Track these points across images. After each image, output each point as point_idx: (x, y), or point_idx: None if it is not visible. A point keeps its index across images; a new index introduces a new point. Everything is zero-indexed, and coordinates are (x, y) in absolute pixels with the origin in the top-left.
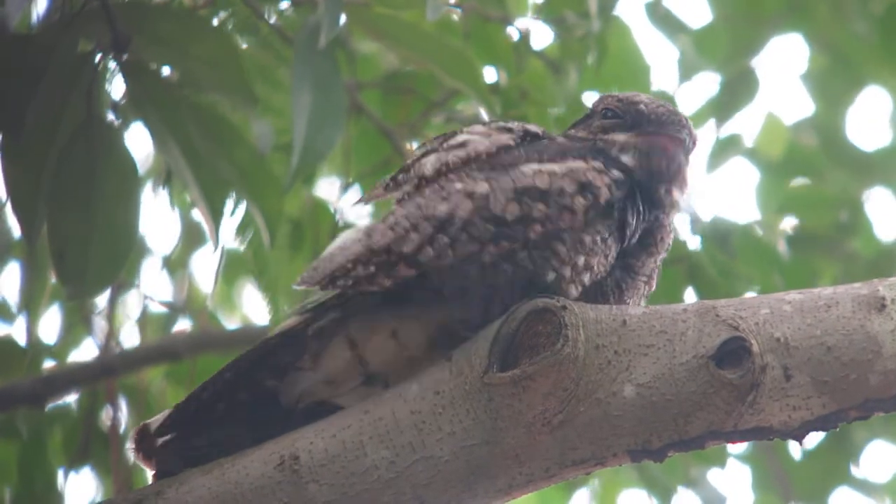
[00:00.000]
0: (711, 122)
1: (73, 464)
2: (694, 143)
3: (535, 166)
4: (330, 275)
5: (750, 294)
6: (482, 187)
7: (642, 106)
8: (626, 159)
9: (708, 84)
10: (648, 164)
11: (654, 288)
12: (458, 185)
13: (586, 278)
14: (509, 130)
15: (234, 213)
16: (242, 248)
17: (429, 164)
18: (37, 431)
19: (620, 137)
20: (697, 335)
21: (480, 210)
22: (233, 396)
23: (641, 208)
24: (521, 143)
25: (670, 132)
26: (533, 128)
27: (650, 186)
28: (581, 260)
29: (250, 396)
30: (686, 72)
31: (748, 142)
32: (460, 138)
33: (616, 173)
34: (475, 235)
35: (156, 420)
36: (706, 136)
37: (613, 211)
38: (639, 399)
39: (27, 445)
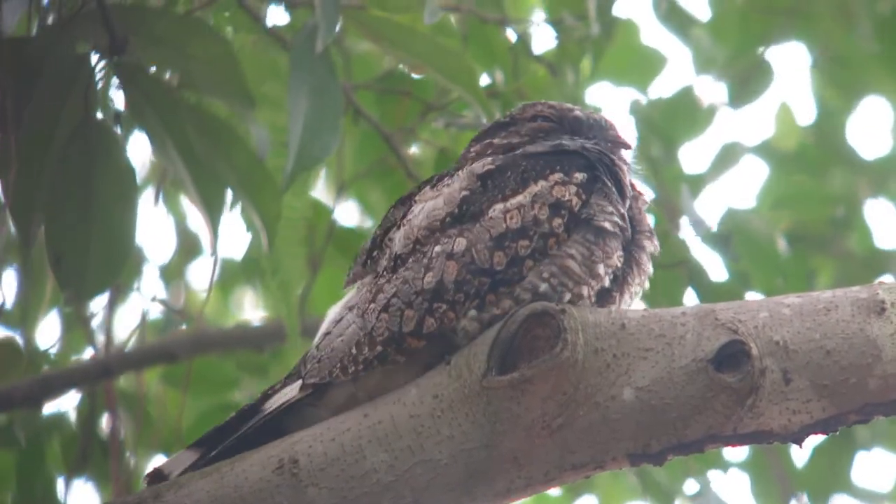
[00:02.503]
0: (722, 121)
1: (72, 471)
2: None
3: (500, 206)
4: (339, 366)
5: (749, 296)
6: (460, 244)
7: (578, 113)
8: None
9: (718, 83)
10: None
11: (657, 248)
12: (438, 248)
13: (607, 281)
14: (458, 179)
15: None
16: (250, 248)
17: (398, 243)
18: (35, 439)
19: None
20: (696, 339)
21: (467, 267)
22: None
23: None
24: (482, 187)
25: (611, 137)
26: (484, 165)
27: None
28: (601, 268)
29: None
30: (700, 64)
31: (760, 135)
32: (416, 209)
33: (579, 176)
34: (472, 293)
35: (171, 465)
36: (716, 135)
37: (607, 185)
38: (638, 403)
39: (25, 453)
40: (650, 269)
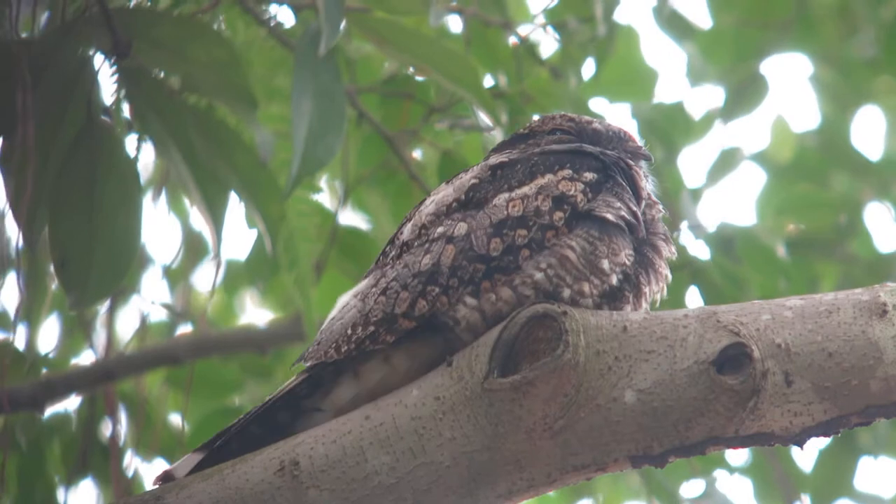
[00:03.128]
0: (718, 130)
1: (73, 475)
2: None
3: (505, 196)
4: (334, 345)
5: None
6: (461, 229)
7: (598, 125)
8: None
9: (716, 90)
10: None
11: (674, 253)
12: (440, 229)
13: (614, 279)
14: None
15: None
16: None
17: (406, 231)
18: (36, 442)
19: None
20: (698, 341)
21: (465, 252)
22: (246, 431)
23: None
24: (491, 176)
25: (631, 148)
26: (498, 158)
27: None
28: (605, 264)
29: (261, 429)
30: (694, 76)
31: (756, 146)
32: (428, 201)
33: (588, 175)
34: (466, 278)
35: (179, 468)
36: (712, 144)
37: (619, 185)
38: (639, 405)
39: (26, 456)
40: (668, 273)
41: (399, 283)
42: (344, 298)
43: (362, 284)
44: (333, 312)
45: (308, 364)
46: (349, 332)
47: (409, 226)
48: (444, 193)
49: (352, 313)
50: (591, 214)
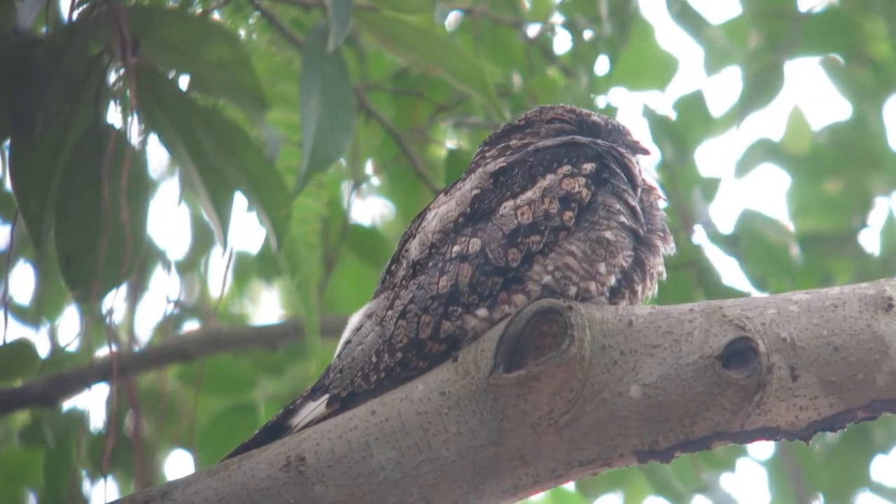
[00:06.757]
0: (737, 125)
1: (100, 469)
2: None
3: (511, 203)
4: (360, 374)
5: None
6: (475, 245)
7: (596, 118)
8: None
9: (733, 81)
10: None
11: (673, 249)
12: (456, 248)
13: (612, 280)
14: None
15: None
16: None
17: (414, 249)
18: (62, 436)
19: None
20: (704, 335)
21: (481, 268)
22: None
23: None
24: (493, 184)
25: (629, 142)
26: (496, 164)
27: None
28: (602, 267)
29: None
30: (713, 64)
31: (774, 138)
32: (430, 215)
33: (587, 166)
34: (485, 294)
35: None
36: (733, 139)
37: (615, 174)
38: (645, 399)
39: (52, 451)
40: (662, 269)
41: (418, 307)
42: (355, 318)
43: (373, 304)
44: (346, 334)
45: (336, 393)
46: (374, 359)
47: (415, 243)
48: (445, 207)
49: (371, 338)
50: (592, 229)
